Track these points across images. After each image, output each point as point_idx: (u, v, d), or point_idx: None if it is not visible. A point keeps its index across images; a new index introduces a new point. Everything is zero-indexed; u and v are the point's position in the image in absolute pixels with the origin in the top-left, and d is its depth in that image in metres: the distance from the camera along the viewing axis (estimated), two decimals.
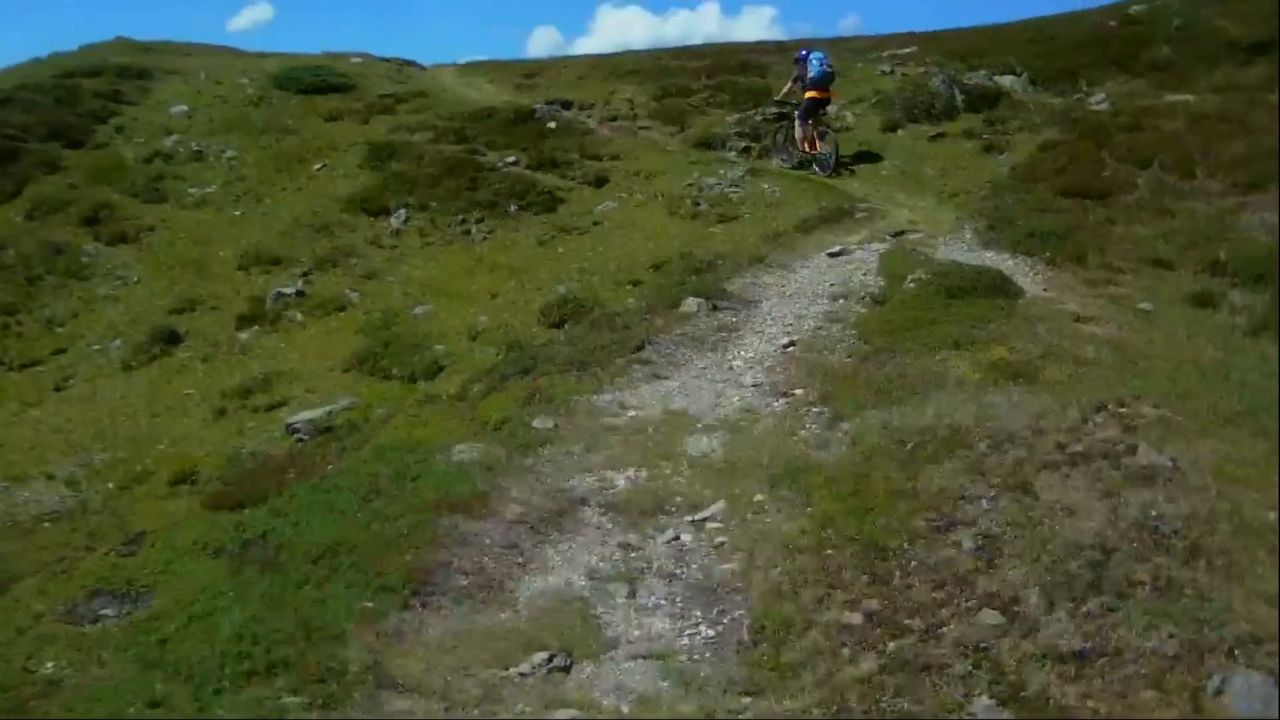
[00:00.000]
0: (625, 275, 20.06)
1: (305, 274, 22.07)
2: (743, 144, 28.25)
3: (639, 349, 12.86)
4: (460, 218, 23.52)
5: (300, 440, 14.93)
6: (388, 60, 39.20)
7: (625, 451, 10.41)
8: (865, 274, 15.85)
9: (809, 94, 25.27)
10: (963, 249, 17.79)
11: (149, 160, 27.94)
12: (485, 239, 22.85)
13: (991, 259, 16.85)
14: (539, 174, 25.53)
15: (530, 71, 38.21)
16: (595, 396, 11.58)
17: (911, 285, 13.94)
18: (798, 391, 11.62)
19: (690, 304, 14.28)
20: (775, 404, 11.49)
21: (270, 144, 28.77)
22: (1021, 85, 31.77)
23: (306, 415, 15.61)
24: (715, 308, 14.35)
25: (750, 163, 26.60)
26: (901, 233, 19.40)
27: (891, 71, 33.58)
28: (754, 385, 11.97)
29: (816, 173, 24.97)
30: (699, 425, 11.03)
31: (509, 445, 10.52)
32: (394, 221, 23.70)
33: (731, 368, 12.59)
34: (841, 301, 14.55)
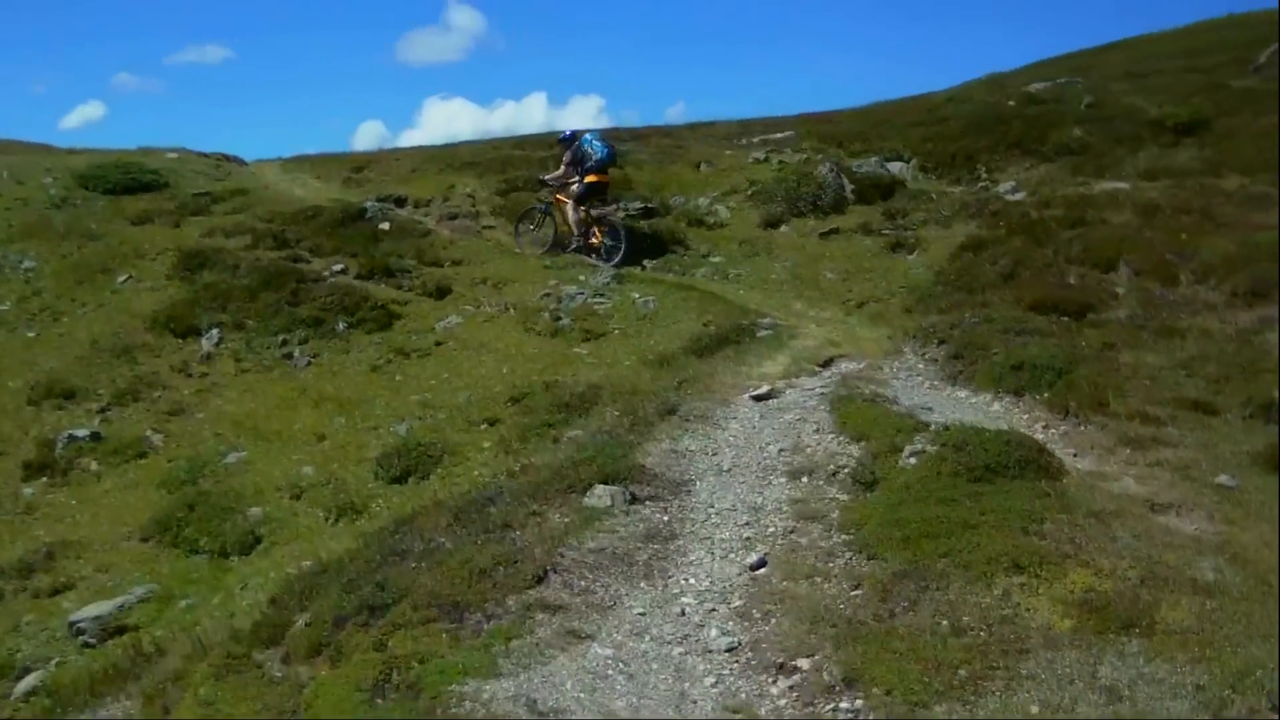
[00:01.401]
0: (478, 411, 16.98)
1: (103, 410, 18.92)
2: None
3: (540, 580, 8.38)
4: (280, 338, 20.44)
5: (86, 645, 12.74)
6: (206, 155, 35.86)
7: None
8: (818, 430, 11.80)
9: (591, 178, 23.47)
10: (924, 386, 14.04)
11: None
12: (310, 364, 19.82)
13: (974, 402, 13.06)
14: (371, 284, 22.57)
15: (359, 165, 34.55)
16: (486, 686, 7.02)
17: (912, 461, 9.77)
18: (802, 663, 7.24)
19: (599, 495, 9.83)
20: (773, 689, 7.17)
21: (71, 252, 25.33)
22: (910, 173, 28.57)
23: (93, 611, 13.22)
24: (634, 498, 9.92)
25: (613, 266, 23.33)
26: (830, 361, 15.69)
27: (766, 159, 30.20)
28: (728, 650, 7.54)
29: (599, 263, 23.14)
30: None
31: None
32: (205, 344, 20.53)
33: (684, 612, 8.12)
34: (807, 481, 10.35)
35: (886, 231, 23.87)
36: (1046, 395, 12.58)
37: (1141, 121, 26.81)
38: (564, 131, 25.13)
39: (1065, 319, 15.46)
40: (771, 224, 25.59)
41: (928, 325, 16.27)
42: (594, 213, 24.10)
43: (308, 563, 12.54)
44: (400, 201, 28.82)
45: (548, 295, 21.22)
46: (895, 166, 28.72)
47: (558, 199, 24.50)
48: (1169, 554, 8.31)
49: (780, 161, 29.53)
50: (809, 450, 11.15)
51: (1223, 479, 10.21)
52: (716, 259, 24.33)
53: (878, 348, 16.70)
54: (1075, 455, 10.89)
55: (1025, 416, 12.39)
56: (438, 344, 19.90)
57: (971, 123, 29.91)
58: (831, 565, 8.58)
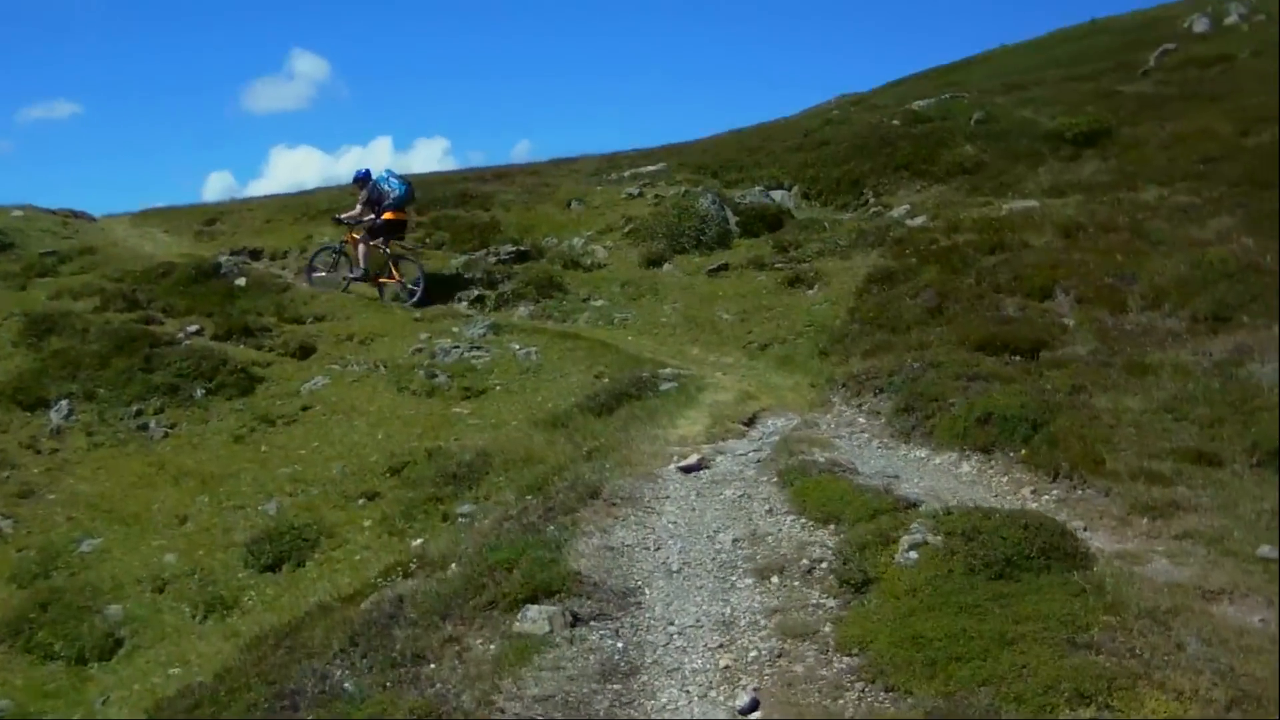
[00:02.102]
0: (355, 484, 15.55)
1: None
2: (475, 292, 23.45)
3: None
4: (135, 408, 18.78)
5: None
6: (54, 212, 33.54)
7: None
8: (771, 511, 9.94)
9: (388, 215, 22.92)
10: (874, 445, 12.33)
11: None
12: (167, 435, 18.25)
13: (938, 464, 11.36)
14: (229, 345, 21.01)
15: (210, 217, 32.40)
16: None
17: (913, 555, 7.87)
18: None
19: (534, 618, 7.69)
20: None
21: None
22: (794, 200, 27.14)
23: None
24: (575, 619, 7.84)
25: (489, 315, 21.98)
26: (754, 418, 13.98)
27: (641, 193, 28.71)
28: None
29: (399, 304, 22.59)
30: None
31: None
32: (54, 416, 18.68)
33: None
34: (779, 582, 8.36)
35: (780, 265, 22.34)
36: (1024, 452, 10.87)
37: (1038, 135, 25.57)
38: (359, 170, 23.99)
39: (1017, 358, 13.81)
40: (654, 262, 24.04)
41: (859, 372, 14.52)
42: (390, 252, 23.26)
43: (176, 670, 11.79)
44: (255, 254, 27.04)
45: (419, 350, 19.71)
46: (778, 194, 27.34)
47: (351, 237, 23.68)
48: (1249, 662, 6.63)
49: (656, 195, 28.00)
50: (770, 539, 9.26)
51: (1264, 550, 8.54)
52: (599, 303, 22.70)
53: (801, 398, 15.05)
54: (1086, 530, 9.15)
55: (1004, 479, 10.67)
56: (304, 408, 18.28)
57: (855, 145, 28.57)
58: (843, 703, 6.66)
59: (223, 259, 25.30)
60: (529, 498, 11.43)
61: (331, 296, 23.06)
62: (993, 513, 8.27)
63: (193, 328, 21.48)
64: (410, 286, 22.68)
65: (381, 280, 23.07)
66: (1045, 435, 10.88)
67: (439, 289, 23.32)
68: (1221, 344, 13.14)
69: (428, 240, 26.51)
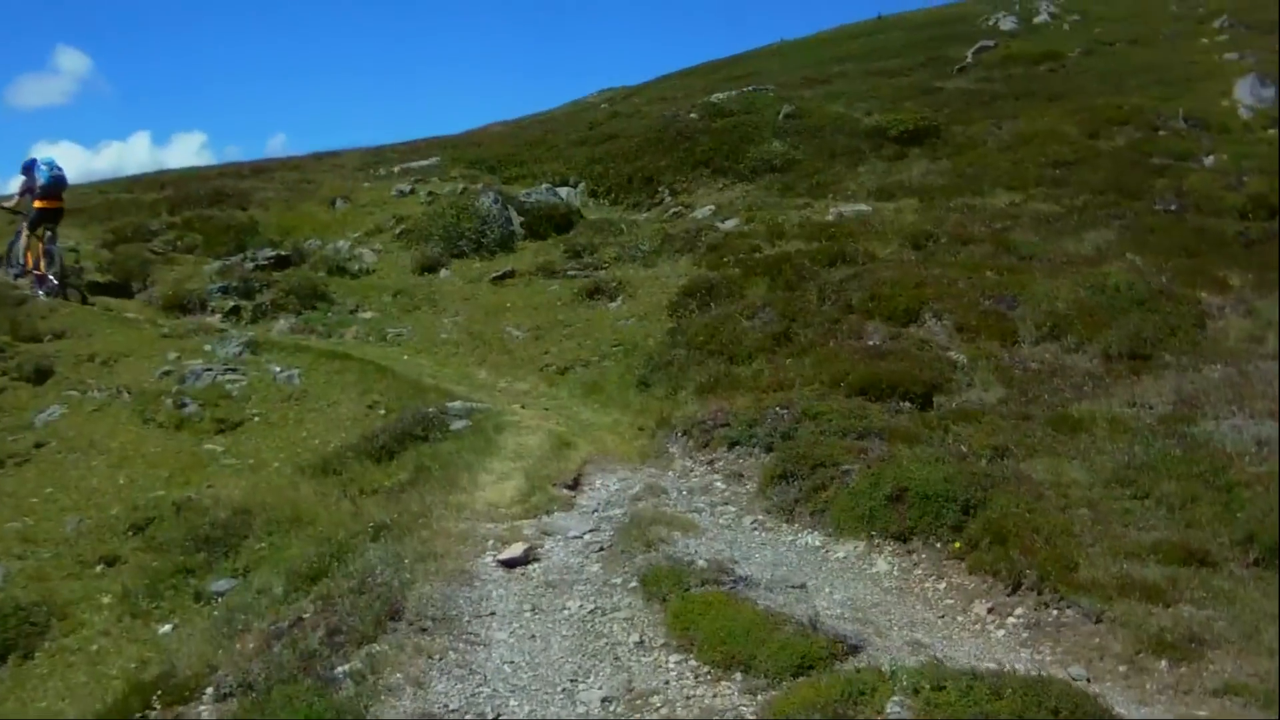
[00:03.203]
0: (92, 545, 12.51)
1: None
2: (230, 303, 20.48)
3: None
4: None
5: None
6: None
7: None
8: (643, 645, 7.05)
9: (39, 204, 20.70)
10: (748, 524, 9.53)
11: None
12: None
13: (842, 558, 8.61)
14: None
15: None
16: None
17: None
18: None
19: None
20: None
21: None
22: (580, 198, 24.56)
23: None
24: None
25: (244, 330, 19.09)
26: (578, 479, 11.05)
27: (413, 190, 26.08)
28: None
29: (40, 296, 20.10)
30: None
31: None
32: None
33: None
34: None
35: (574, 273, 19.90)
36: (956, 544, 8.18)
37: (857, 132, 23.37)
38: (27, 160, 21.59)
39: (906, 404, 11.15)
40: (429, 268, 21.58)
41: (703, 418, 11.69)
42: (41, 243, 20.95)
43: None
44: None
45: (168, 373, 16.88)
46: (564, 192, 24.89)
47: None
48: None
49: (430, 193, 25.56)
50: (658, 698, 6.38)
51: None
52: (368, 315, 20.05)
53: (627, 445, 12.30)
54: (1090, 682, 6.49)
55: (941, 586, 7.95)
56: (38, 445, 15.00)
57: (648, 139, 26.38)
58: None
59: None
60: (304, 597, 8.58)
61: (72, 310, 19.93)
62: (1004, 678, 5.54)
63: None
64: (51, 282, 20.33)
65: (36, 272, 20.66)
66: (983, 522, 8.20)
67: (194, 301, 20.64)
68: (1155, 390, 10.71)
69: (179, 243, 23.63)
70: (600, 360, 16.25)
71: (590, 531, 9.16)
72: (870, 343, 12.84)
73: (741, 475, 10.48)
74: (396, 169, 28.77)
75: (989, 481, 8.71)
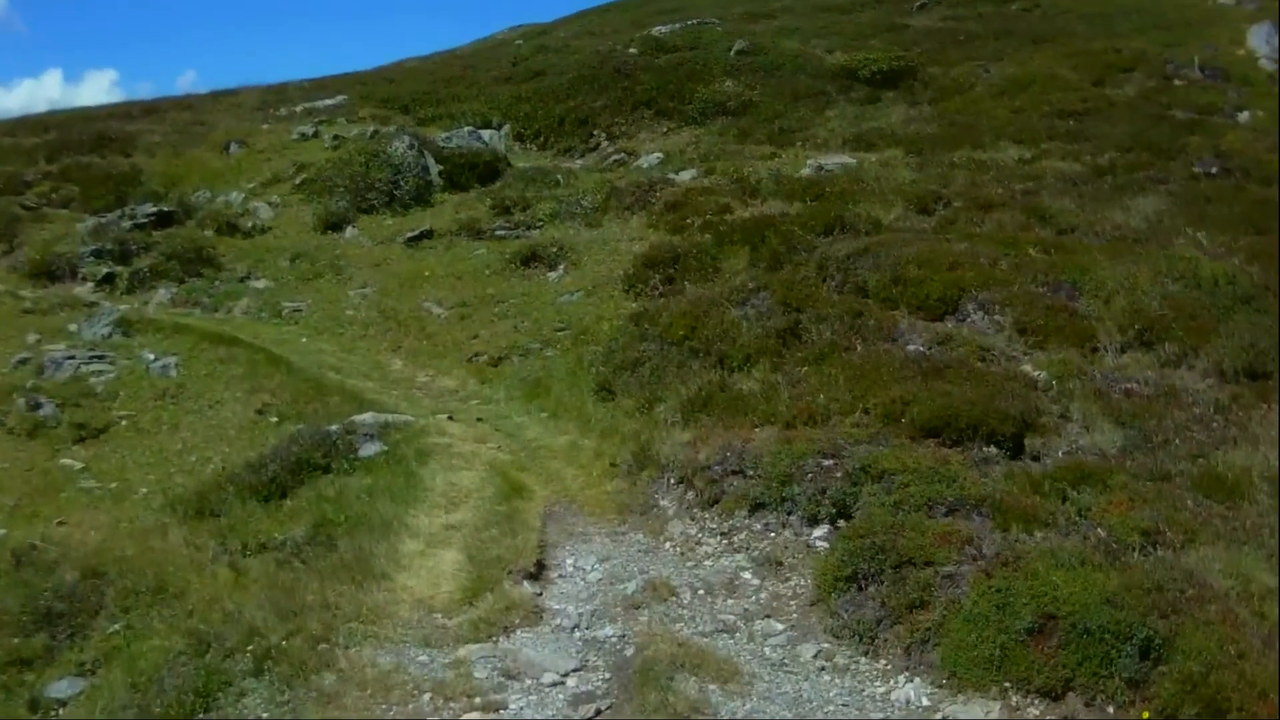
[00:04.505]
0: None
1: None
2: (104, 269, 18.06)
3: None
4: None
5: None
6: None
7: None
8: None
9: None
10: (814, 662, 6.71)
11: None
12: None
13: (948, 710, 5.99)
14: None
15: None
16: None
17: None
18: None
19: None
20: None
21: None
22: (504, 142, 21.93)
23: None
24: None
25: (119, 302, 16.80)
26: (540, 560, 8.28)
27: (317, 133, 23.69)
28: None
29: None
30: None
31: None
32: None
33: None
34: None
35: (504, 233, 17.47)
36: (1146, 717, 5.44)
37: (821, 72, 20.86)
38: None
39: (992, 449, 8.33)
40: (333, 225, 19.17)
41: (704, 460, 8.85)
42: None
43: None
44: None
45: (24, 361, 14.87)
46: (487, 135, 22.49)
47: None
48: None
49: (335, 136, 23.16)
50: None
51: None
52: (261, 284, 17.72)
53: (595, 487, 9.87)
54: None
55: None
56: None
57: (580, 76, 24.20)
58: None
59: None
60: None
61: None
62: None
63: None
64: None
65: None
66: (1179, 678, 5.51)
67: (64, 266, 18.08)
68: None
69: (54, 196, 21.39)
70: (542, 349, 13.98)
71: (575, 672, 6.51)
72: (911, 348, 10.08)
73: (780, 564, 7.65)
74: (299, 108, 26.20)
75: (1166, 602, 5.97)
